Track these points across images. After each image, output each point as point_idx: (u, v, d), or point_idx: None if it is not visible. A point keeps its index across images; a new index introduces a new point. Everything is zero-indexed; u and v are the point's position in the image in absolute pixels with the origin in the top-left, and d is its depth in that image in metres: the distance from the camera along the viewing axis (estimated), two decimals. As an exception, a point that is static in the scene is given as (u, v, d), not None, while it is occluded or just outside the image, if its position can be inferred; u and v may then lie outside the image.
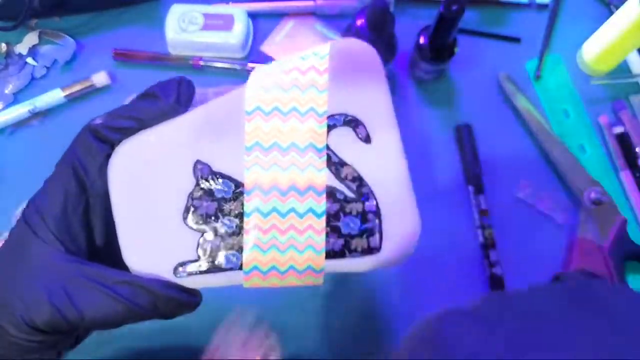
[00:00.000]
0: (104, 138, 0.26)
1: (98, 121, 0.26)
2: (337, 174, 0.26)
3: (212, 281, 0.26)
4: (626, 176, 0.48)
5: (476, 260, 0.45)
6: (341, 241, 0.26)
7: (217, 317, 0.42)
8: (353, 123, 0.26)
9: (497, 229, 0.45)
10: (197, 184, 0.26)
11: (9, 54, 0.50)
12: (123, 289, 0.24)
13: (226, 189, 0.26)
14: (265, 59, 0.51)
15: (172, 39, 0.49)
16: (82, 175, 0.26)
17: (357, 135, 0.26)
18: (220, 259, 0.26)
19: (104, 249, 0.27)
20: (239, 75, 0.50)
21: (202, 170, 0.26)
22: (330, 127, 0.26)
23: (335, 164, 0.26)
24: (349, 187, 0.26)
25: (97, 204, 0.26)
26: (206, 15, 0.49)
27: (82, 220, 0.26)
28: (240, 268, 0.26)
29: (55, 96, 0.48)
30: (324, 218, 0.26)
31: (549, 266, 0.45)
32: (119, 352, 0.42)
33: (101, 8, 0.52)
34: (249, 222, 0.25)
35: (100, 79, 0.49)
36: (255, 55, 0.51)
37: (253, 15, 0.52)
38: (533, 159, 0.49)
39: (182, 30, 0.49)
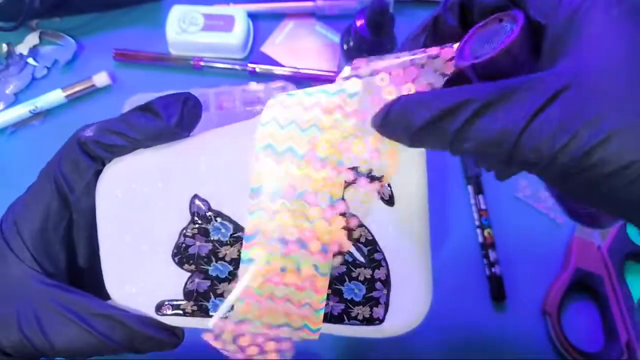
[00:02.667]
0: (93, 154, 0.23)
1: (88, 133, 0.23)
2: (349, 234, 0.23)
3: (195, 324, 0.24)
4: (625, 176, 0.48)
5: (475, 260, 0.45)
6: (342, 306, 0.24)
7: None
8: (377, 180, 0.23)
9: (497, 229, 0.46)
10: (192, 221, 0.23)
11: (9, 55, 0.51)
12: (100, 323, 0.22)
13: (224, 230, 0.23)
14: (266, 60, 0.51)
15: (172, 39, 0.49)
16: (66, 191, 0.24)
17: (380, 194, 0.24)
18: (208, 304, 0.24)
19: (87, 269, 0.25)
20: (239, 76, 0.50)
21: (200, 207, 0.23)
22: (351, 180, 0.23)
23: (349, 220, 0.23)
24: (359, 250, 0.24)
25: (81, 222, 0.24)
26: (206, 16, 0.50)
27: (63, 238, 0.24)
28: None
29: (56, 96, 0.48)
30: (327, 277, 0.23)
31: (548, 266, 0.45)
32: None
33: (102, 9, 0.53)
34: (244, 271, 0.23)
35: (101, 79, 0.49)
36: (256, 55, 0.52)
37: (253, 16, 0.52)
38: (532, 159, 0.49)
39: (183, 31, 0.49)
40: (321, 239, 0.22)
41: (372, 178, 0.23)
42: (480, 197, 0.46)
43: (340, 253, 0.23)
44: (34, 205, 0.23)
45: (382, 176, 0.23)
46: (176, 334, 0.25)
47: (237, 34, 0.49)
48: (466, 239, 0.46)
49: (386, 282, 0.24)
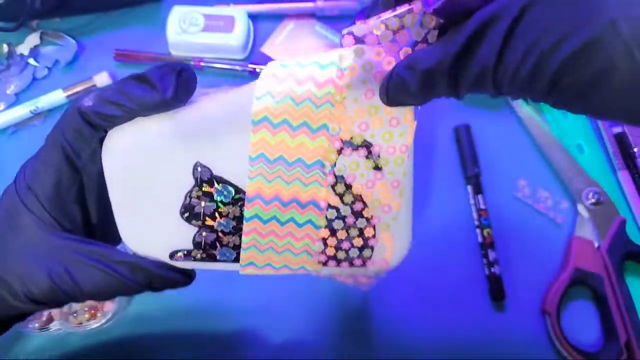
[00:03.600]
0: (94, 123, 0.25)
1: (88, 103, 0.25)
2: (340, 194, 0.26)
3: (206, 267, 0.27)
4: (624, 176, 0.48)
5: (475, 259, 0.45)
6: (333, 251, 0.27)
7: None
8: (367, 148, 0.25)
9: (496, 229, 0.46)
10: (196, 185, 0.26)
11: (10, 55, 0.51)
12: (122, 268, 0.25)
13: (225, 193, 0.26)
14: (266, 60, 0.51)
15: (173, 40, 0.50)
16: (73, 158, 0.25)
17: (376, 166, 0.26)
18: (215, 252, 0.27)
19: (99, 225, 0.28)
20: (240, 76, 0.51)
21: (203, 173, 0.26)
22: (342, 148, 0.25)
23: (341, 184, 0.26)
24: (351, 208, 0.26)
25: (91, 184, 0.27)
26: (207, 17, 0.50)
27: (76, 199, 0.26)
28: (234, 261, 0.27)
29: (56, 97, 0.49)
30: (321, 232, 0.26)
31: (547, 266, 0.45)
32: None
33: (102, 9, 0.53)
34: (248, 226, 0.26)
35: (101, 79, 0.49)
36: (256, 56, 0.52)
37: (253, 17, 0.52)
38: (531, 159, 0.49)
39: (183, 32, 0.49)
40: (315, 198, 0.26)
41: (362, 145, 0.25)
42: (480, 197, 0.46)
43: (333, 211, 0.26)
44: (45, 171, 0.26)
45: (372, 145, 0.25)
46: (188, 274, 0.28)
47: (238, 35, 0.49)
48: (465, 239, 0.46)
49: (374, 233, 0.27)
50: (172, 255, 0.27)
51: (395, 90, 0.23)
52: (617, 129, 0.49)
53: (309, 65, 0.24)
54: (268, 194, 0.26)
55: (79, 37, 0.52)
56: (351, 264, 0.27)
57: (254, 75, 0.50)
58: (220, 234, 0.26)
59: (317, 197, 0.26)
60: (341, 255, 0.27)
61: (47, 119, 0.49)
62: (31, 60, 0.51)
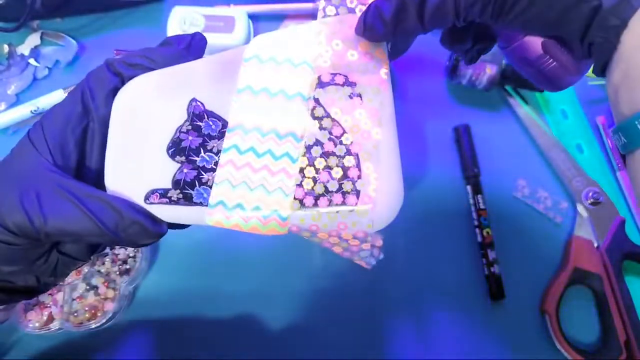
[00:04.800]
0: (117, 71, 0.28)
1: (116, 57, 0.28)
2: (319, 117, 0.27)
3: (178, 215, 0.26)
4: (623, 176, 0.48)
5: (474, 259, 0.45)
6: (312, 189, 0.26)
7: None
8: (350, 81, 0.27)
9: (495, 229, 0.46)
10: (188, 119, 0.27)
11: (11, 55, 0.51)
12: (91, 203, 0.25)
13: (213, 126, 0.27)
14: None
15: (173, 40, 0.50)
16: (88, 99, 0.27)
17: (353, 92, 0.27)
18: (192, 191, 0.26)
19: (93, 173, 0.28)
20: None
21: (196, 108, 0.27)
22: (326, 83, 0.27)
23: (323, 117, 0.27)
24: (329, 133, 0.27)
25: (97, 129, 0.27)
26: (207, 17, 0.50)
27: (78, 141, 0.27)
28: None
29: (57, 97, 0.49)
30: (298, 164, 0.26)
31: (547, 265, 0.45)
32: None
33: (103, 9, 0.53)
34: (225, 157, 0.26)
35: (102, 79, 0.49)
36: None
37: (253, 17, 0.53)
38: (531, 159, 0.49)
39: (184, 32, 0.49)
40: (293, 130, 0.26)
41: (346, 83, 0.27)
42: (479, 197, 0.46)
43: (314, 144, 0.26)
44: (60, 109, 0.27)
45: (348, 73, 0.27)
46: (160, 224, 0.27)
47: (238, 35, 0.49)
48: (465, 239, 0.46)
49: (358, 171, 0.26)
50: (147, 197, 0.26)
51: (373, 18, 0.26)
52: (616, 129, 0.49)
53: (294, 27, 0.28)
54: (249, 124, 0.27)
55: (79, 38, 0.52)
56: (330, 201, 0.26)
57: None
58: (201, 171, 0.27)
59: (295, 128, 0.27)
60: (319, 189, 0.26)
61: (48, 119, 0.50)
62: (32, 61, 0.51)
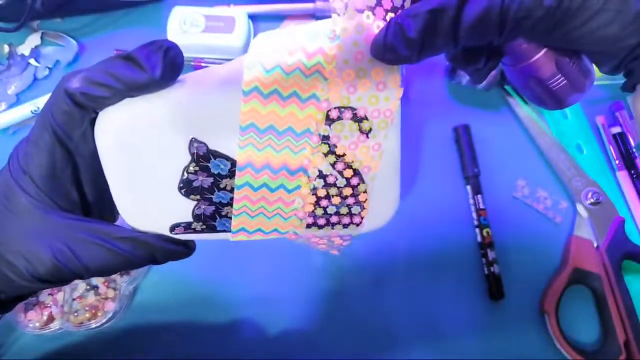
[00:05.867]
0: (83, 105, 0.24)
1: (75, 85, 0.24)
2: (324, 154, 0.26)
3: (206, 238, 0.28)
4: (623, 176, 0.48)
5: (474, 259, 0.46)
6: (325, 219, 0.28)
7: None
8: (358, 117, 0.26)
9: (495, 229, 0.46)
10: (193, 160, 0.26)
11: (11, 55, 0.51)
12: (124, 245, 0.26)
13: (222, 166, 0.26)
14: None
15: (173, 40, 0.49)
16: (65, 140, 0.25)
17: (360, 128, 0.26)
18: (215, 223, 0.27)
19: (96, 203, 0.28)
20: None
21: (199, 149, 0.26)
22: (334, 120, 0.26)
23: (325, 144, 0.26)
24: (341, 173, 0.27)
25: (84, 165, 0.27)
26: (207, 18, 0.50)
27: (71, 179, 0.26)
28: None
29: (57, 97, 0.49)
30: (310, 194, 0.27)
31: (546, 265, 0.45)
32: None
33: (103, 10, 0.53)
34: (239, 193, 0.27)
35: (102, 80, 0.49)
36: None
37: (254, 18, 0.53)
38: (531, 159, 0.49)
39: (184, 32, 0.49)
40: (304, 166, 0.26)
41: (354, 116, 0.26)
42: (479, 197, 0.46)
43: (324, 176, 0.27)
44: (38, 153, 0.25)
45: (357, 108, 0.26)
46: (189, 245, 0.28)
47: (238, 35, 0.50)
48: (465, 238, 0.46)
49: (352, 192, 0.27)
50: (172, 229, 0.27)
51: (394, 38, 0.22)
52: (616, 129, 0.49)
53: (299, 35, 0.25)
54: (258, 162, 0.26)
55: (79, 38, 0.52)
56: (330, 224, 0.28)
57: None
58: (218, 206, 0.27)
59: (305, 163, 0.26)
60: (319, 212, 0.28)
61: (48, 119, 0.50)
62: (32, 61, 0.51)
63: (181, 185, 0.26)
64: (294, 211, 0.27)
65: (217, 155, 0.26)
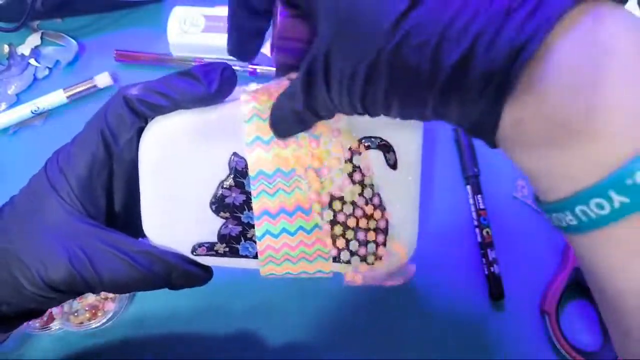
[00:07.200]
0: (138, 111, 0.26)
1: (134, 92, 0.25)
2: (360, 191, 0.27)
3: (226, 263, 0.28)
4: (623, 176, 0.48)
5: (474, 259, 0.46)
6: (349, 252, 0.28)
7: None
8: (385, 148, 0.27)
9: (495, 229, 0.46)
10: (230, 174, 0.26)
11: (11, 55, 0.51)
12: (142, 258, 0.25)
13: None
14: (266, 61, 0.51)
15: (174, 40, 0.50)
16: (111, 142, 0.26)
17: (387, 160, 0.27)
18: (238, 246, 0.27)
19: (121, 216, 0.28)
20: (240, 77, 0.50)
21: (238, 163, 0.26)
22: (365, 147, 0.27)
23: (360, 182, 0.27)
24: (367, 204, 0.27)
25: (121, 171, 0.27)
26: (207, 17, 0.50)
27: (104, 185, 0.26)
28: (255, 257, 0.27)
29: (57, 97, 0.49)
30: (329, 229, 0.27)
31: (547, 265, 0.45)
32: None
33: (103, 10, 0.53)
34: (261, 244, 0.27)
35: (103, 80, 0.49)
36: (256, 56, 0.52)
37: (254, 17, 0.53)
38: (531, 159, 0.49)
39: (184, 32, 0.49)
40: (317, 200, 0.27)
41: (382, 146, 0.27)
42: (479, 197, 0.46)
43: (352, 206, 0.27)
44: (80, 153, 0.26)
45: (389, 143, 0.27)
46: (208, 270, 0.28)
47: (238, 35, 0.50)
48: (465, 239, 0.46)
49: (385, 231, 0.28)
50: (194, 250, 0.27)
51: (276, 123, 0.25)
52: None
53: (280, 82, 0.26)
54: (273, 208, 0.26)
55: (79, 38, 0.52)
56: (350, 262, 0.28)
57: (254, 75, 0.50)
58: (246, 227, 0.27)
59: (317, 199, 0.27)
60: (344, 255, 0.28)
61: (48, 119, 0.50)
62: (32, 61, 0.51)
63: (213, 200, 0.26)
64: (318, 251, 0.27)
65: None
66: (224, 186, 0.26)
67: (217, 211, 0.27)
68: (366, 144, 0.27)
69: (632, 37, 0.16)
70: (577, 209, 0.17)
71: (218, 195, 0.26)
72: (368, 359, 0.43)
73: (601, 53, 0.16)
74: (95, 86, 0.49)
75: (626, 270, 0.18)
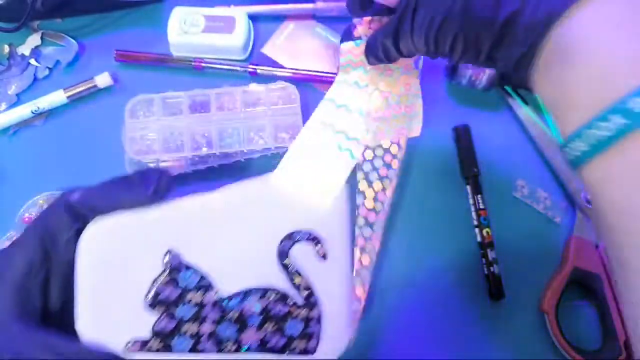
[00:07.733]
0: (77, 214, 0.27)
1: (75, 197, 0.27)
2: (292, 282, 0.29)
3: (160, 357, 0.28)
4: (623, 176, 0.48)
5: (474, 258, 0.46)
6: (284, 340, 0.29)
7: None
8: (315, 240, 0.29)
9: (495, 228, 0.46)
10: (164, 271, 0.27)
11: (11, 55, 0.51)
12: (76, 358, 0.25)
13: (190, 279, 0.28)
14: (266, 61, 0.51)
15: (174, 40, 0.50)
16: (49, 245, 0.26)
17: (317, 252, 0.29)
18: (172, 342, 0.27)
19: (57, 314, 0.28)
20: (240, 77, 0.51)
21: (173, 259, 0.27)
22: (294, 242, 0.29)
23: (293, 274, 0.29)
24: (300, 295, 0.29)
25: (59, 272, 0.27)
26: (207, 18, 0.50)
27: (41, 285, 0.26)
28: (190, 351, 0.28)
29: (57, 97, 0.49)
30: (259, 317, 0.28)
31: (546, 265, 0.46)
32: None
33: (103, 10, 0.53)
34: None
35: (103, 80, 0.49)
36: (256, 57, 0.52)
37: (254, 18, 0.53)
38: (530, 159, 0.49)
39: (184, 32, 0.50)
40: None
41: (311, 239, 0.29)
42: (479, 196, 0.47)
43: (284, 297, 0.29)
44: (18, 257, 0.26)
45: (318, 236, 0.29)
46: None
47: (238, 36, 0.50)
48: (465, 238, 0.46)
49: (319, 320, 0.29)
50: (126, 346, 0.27)
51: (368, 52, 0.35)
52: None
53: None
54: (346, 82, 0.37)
55: (80, 38, 0.52)
56: (297, 352, 0.29)
57: (254, 75, 0.50)
58: (180, 322, 0.27)
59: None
60: (289, 342, 0.29)
61: (48, 119, 0.50)
62: (32, 61, 0.51)
63: (148, 296, 0.27)
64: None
65: (188, 267, 0.28)
66: (159, 283, 0.27)
67: (152, 306, 0.27)
68: (296, 238, 0.29)
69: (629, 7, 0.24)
70: (588, 132, 0.23)
71: (152, 291, 0.27)
72: (368, 359, 0.43)
73: (602, 21, 0.24)
74: (95, 86, 0.49)
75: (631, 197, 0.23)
